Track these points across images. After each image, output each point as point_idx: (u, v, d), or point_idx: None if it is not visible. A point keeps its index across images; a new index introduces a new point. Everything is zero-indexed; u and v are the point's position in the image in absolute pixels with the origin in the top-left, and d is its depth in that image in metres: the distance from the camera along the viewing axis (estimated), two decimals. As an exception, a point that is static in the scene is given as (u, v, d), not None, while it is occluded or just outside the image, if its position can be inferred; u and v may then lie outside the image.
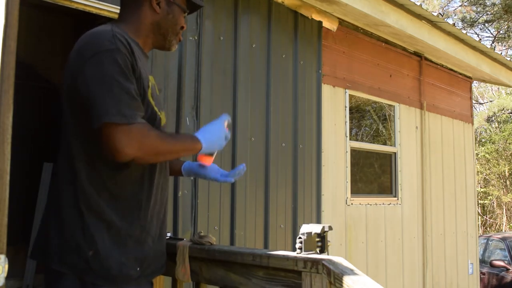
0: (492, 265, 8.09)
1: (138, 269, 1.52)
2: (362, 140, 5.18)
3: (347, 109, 4.46)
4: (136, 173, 1.54)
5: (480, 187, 16.65)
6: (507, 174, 17.13)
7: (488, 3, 16.14)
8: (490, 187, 17.27)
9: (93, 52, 1.44)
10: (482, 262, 8.30)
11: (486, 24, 17.12)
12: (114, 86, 1.40)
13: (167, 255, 1.74)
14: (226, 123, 1.66)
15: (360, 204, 4.52)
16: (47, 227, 1.52)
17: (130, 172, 1.52)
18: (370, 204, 4.64)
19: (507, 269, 7.97)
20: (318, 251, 1.51)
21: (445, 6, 18.18)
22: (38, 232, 1.56)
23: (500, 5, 15.41)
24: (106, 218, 1.47)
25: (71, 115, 1.51)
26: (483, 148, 16.94)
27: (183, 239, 1.99)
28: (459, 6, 17.63)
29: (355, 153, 4.63)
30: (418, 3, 4.39)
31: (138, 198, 1.55)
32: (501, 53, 6.82)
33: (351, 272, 1.31)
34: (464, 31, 5.26)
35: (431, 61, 5.64)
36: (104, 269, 1.45)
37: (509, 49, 18.30)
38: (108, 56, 1.43)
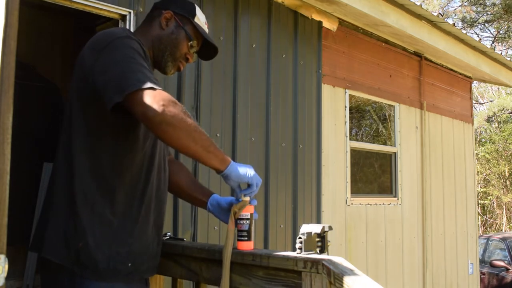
0: (492, 265, 8.09)
1: (129, 264, 1.51)
2: (362, 140, 5.18)
3: (347, 109, 4.46)
4: (136, 167, 1.56)
5: (480, 187, 16.65)
6: (507, 174, 17.13)
7: (488, 3, 16.14)
8: (490, 187, 17.27)
9: (106, 43, 1.50)
10: (482, 262, 8.31)
11: (486, 24, 17.13)
12: (132, 63, 1.45)
13: (167, 255, 1.74)
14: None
15: (360, 204, 4.52)
16: (44, 219, 1.54)
17: (131, 163, 1.54)
18: (370, 204, 4.64)
19: (507, 269, 7.97)
20: (318, 251, 1.51)
21: (445, 6, 18.18)
22: (37, 224, 1.59)
23: (500, 5, 15.42)
24: (99, 211, 1.48)
25: (79, 108, 1.53)
26: (483, 148, 16.94)
27: (183, 239, 1.99)
28: (459, 6, 17.63)
29: (355, 153, 4.63)
30: (418, 3, 4.39)
31: (135, 192, 1.56)
32: (501, 53, 6.81)
33: (351, 272, 1.31)
34: (464, 31, 5.26)
35: (431, 61, 5.63)
36: (92, 262, 1.45)
37: (509, 49, 18.30)
38: (121, 42, 1.50)
